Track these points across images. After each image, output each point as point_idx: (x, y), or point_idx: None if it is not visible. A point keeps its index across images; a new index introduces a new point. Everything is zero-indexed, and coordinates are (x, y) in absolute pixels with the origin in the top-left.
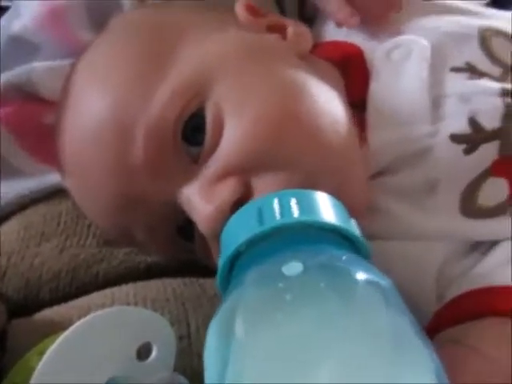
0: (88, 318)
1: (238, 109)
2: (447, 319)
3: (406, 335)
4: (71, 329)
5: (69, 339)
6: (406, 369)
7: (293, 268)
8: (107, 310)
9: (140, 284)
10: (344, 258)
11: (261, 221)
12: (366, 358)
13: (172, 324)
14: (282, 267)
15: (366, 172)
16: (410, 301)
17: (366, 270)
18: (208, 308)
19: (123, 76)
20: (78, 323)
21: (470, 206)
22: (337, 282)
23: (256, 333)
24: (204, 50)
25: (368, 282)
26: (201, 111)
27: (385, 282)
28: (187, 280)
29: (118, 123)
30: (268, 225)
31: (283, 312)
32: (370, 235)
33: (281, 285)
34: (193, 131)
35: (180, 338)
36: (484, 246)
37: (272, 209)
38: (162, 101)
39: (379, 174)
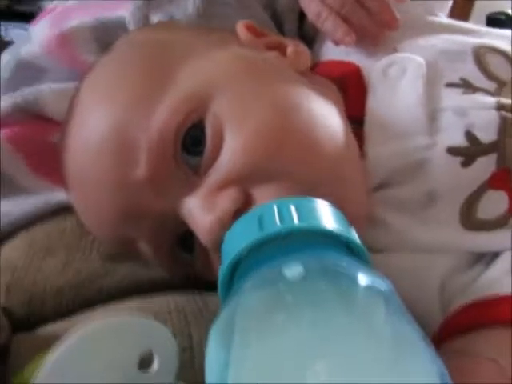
0: (89, 326)
1: (237, 120)
2: (452, 330)
3: (407, 339)
4: (72, 337)
5: (70, 348)
6: (408, 373)
7: (294, 270)
8: (109, 319)
9: (143, 298)
10: (345, 262)
11: (261, 227)
12: (368, 362)
13: (174, 336)
14: (282, 269)
15: (365, 185)
16: (414, 313)
17: (366, 274)
18: (210, 322)
19: (125, 94)
20: (79, 332)
21: (469, 219)
22: (338, 284)
23: (256, 335)
24: (204, 66)
25: (369, 286)
26: (201, 123)
27: (385, 286)
28: (190, 294)
29: (121, 140)
30: (268, 231)
31: (284, 313)
32: (370, 248)
33: (282, 286)
34: (193, 142)
35: (182, 350)
36: (487, 258)
37: (272, 215)
38: (163, 115)
39: (378, 187)
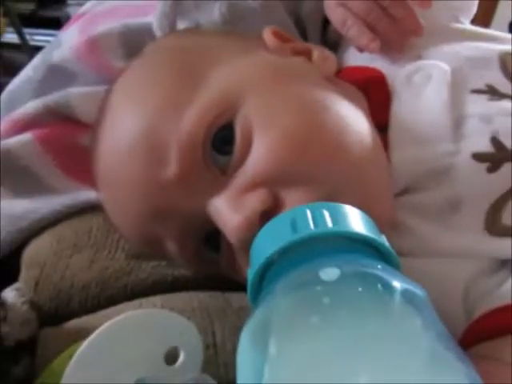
0: (118, 318)
1: (266, 122)
2: (477, 335)
3: (442, 344)
4: (101, 329)
5: (98, 339)
6: (445, 378)
7: (331, 273)
8: (137, 311)
9: (167, 296)
10: (379, 266)
11: (295, 230)
12: (403, 366)
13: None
14: (319, 272)
15: (390, 189)
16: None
17: (401, 279)
18: (233, 319)
19: (156, 96)
20: (107, 324)
21: (494, 225)
22: (374, 287)
23: (293, 336)
24: (233, 70)
25: (404, 289)
26: (230, 124)
27: (420, 292)
28: (213, 293)
29: (151, 140)
30: (302, 233)
31: (322, 315)
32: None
33: (319, 288)
34: (222, 143)
35: (206, 348)
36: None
37: (306, 219)
38: (193, 117)
39: (402, 192)
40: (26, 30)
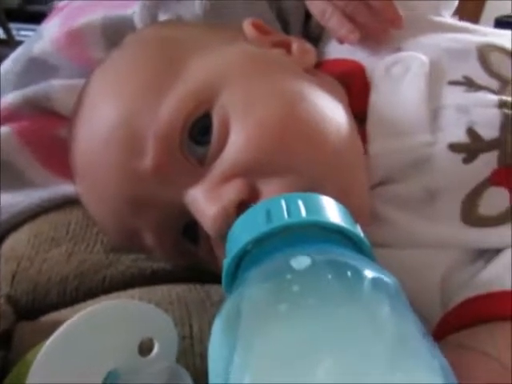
0: (89, 309)
1: (244, 112)
2: (453, 325)
3: (410, 334)
4: (71, 320)
5: (69, 330)
6: (410, 367)
7: (301, 262)
8: (109, 302)
9: (145, 289)
10: (352, 256)
11: (269, 220)
12: (370, 354)
13: (175, 325)
14: (290, 261)
15: (368, 180)
16: (414, 308)
17: (372, 268)
18: (212, 312)
19: (133, 86)
20: (78, 314)
21: (470, 215)
22: (345, 276)
23: (262, 323)
24: (211, 60)
25: (375, 279)
26: (208, 114)
27: (391, 280)
28: (192, 286)
29: (128, 129)
30: (276, 223)
31: (291, 303)
32: (371, 244)
33: (289, 276)
34: (200, 133)
35: (183, 338)
36: (488, 254)
37: (280, 209)
38: (170, 106)
39: (379, 183)
40: (13, 25)
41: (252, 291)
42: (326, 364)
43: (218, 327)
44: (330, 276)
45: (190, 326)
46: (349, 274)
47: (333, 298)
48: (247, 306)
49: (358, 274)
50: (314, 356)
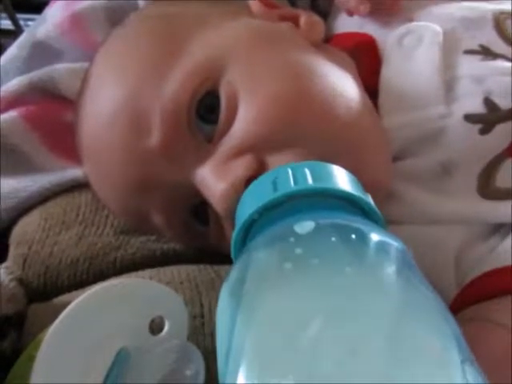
0: (99, 287)
1: (252, 87)
2: (469, 298)
3: (419, 296)
4: (80, 299)
5: (79, 307)
6: (417, 329)
7: (305, 226)
8: (119, 280)
9: (155, 269)
10: (358, 220)
11: (275, 189)
12: (374, 316)
13: (185, 304)
14: (293, 226)
15: (386, 154)
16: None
17: (378, 232)
18: None
19: (138, 63)
20: (88, 292)
21: (487, 188)
22: (349, 238)
23: (264, 285)
24: (217, 36)
25: (381, 242)
26: (215, 90)
27: (398, 244)
28: (202, 266)
29: (134, 108)
30: (282, 191)
31: (293, 264)
32: (385, 220)
33: (292, 240)
34: (207, 110)
35: (193, 318)
36: (504, 229)
37: (286, 178)
38: (176, 83)
39: (394, 158)
40: (20, 16)
41: (256, 256)
42: (329, 325)
43: (224, 293)
44: (333, 238)
45: (201, 306)
46: (353, 236)
47: (337, 259)
48: (251, 270)
49: (364, 237)
50: (316, 317)
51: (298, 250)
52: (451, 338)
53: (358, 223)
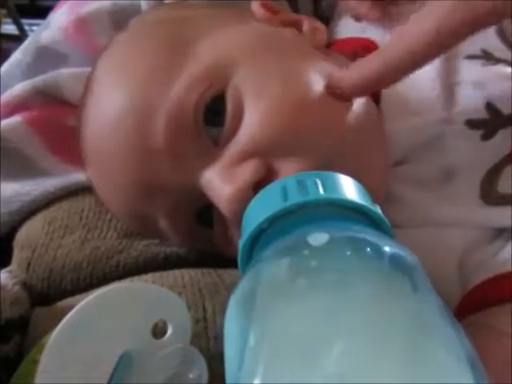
0: (102, 291)
1: (258, 92)
2: (472, 305)
3: (432, 311)
4: (84, 302)
5: (82, 311)
6: (431, 345)
7: (319, 238)
8: (122, 284)
9: (158, 273)
10: (370, 232)
11: (285, 198)
12: (389, 333)
13: (188, 308)
14: (307, 237)
15: (386, 159)
16: (434, 289)
17: (392, 245)
18: (225, 295)
19: (142, 66)
20: (91, 296)
21: (490, 193)
22: (363, 252)
23: (278, 300)
24: (223, 40)
25: (395, 256)
26: (221, 94)
27: (411, 258)
28: (205, 270)
29: (139, 111)
30: (293, 201)
31: (308, 278)
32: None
33: (306, 252)
34: (214, 113)
35: (196, 322)
36: (507, 233)
37: (296, 187)
38: (183, 86)
39: (396, 163)
40: (24, 21)
41: (267, 268)
42: (342, 342)
43: (233, 306)
44: (348, 251)
45: (204, 309)
46: (368, 249)
47: (351, 274)
48: (263, 284)
49: (378, 251)
50: (330, 334)
51: (313, 264)
52: (463, 352)
53: (372, 235)
